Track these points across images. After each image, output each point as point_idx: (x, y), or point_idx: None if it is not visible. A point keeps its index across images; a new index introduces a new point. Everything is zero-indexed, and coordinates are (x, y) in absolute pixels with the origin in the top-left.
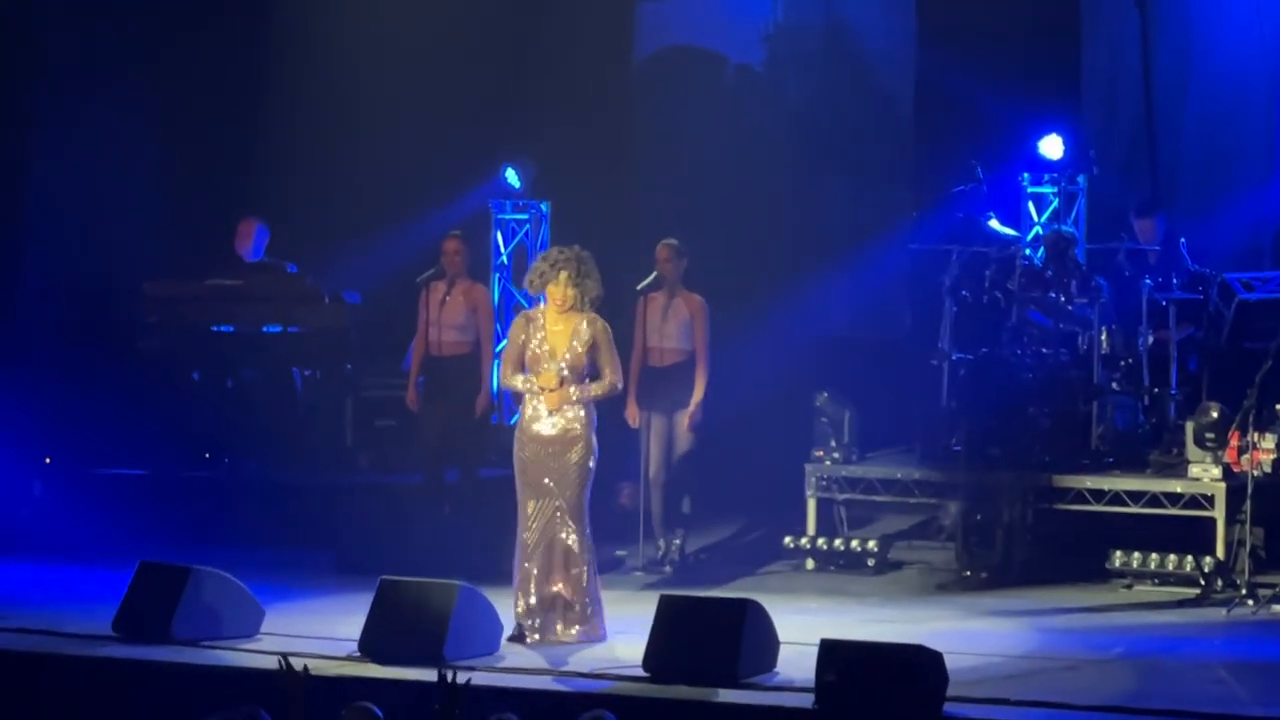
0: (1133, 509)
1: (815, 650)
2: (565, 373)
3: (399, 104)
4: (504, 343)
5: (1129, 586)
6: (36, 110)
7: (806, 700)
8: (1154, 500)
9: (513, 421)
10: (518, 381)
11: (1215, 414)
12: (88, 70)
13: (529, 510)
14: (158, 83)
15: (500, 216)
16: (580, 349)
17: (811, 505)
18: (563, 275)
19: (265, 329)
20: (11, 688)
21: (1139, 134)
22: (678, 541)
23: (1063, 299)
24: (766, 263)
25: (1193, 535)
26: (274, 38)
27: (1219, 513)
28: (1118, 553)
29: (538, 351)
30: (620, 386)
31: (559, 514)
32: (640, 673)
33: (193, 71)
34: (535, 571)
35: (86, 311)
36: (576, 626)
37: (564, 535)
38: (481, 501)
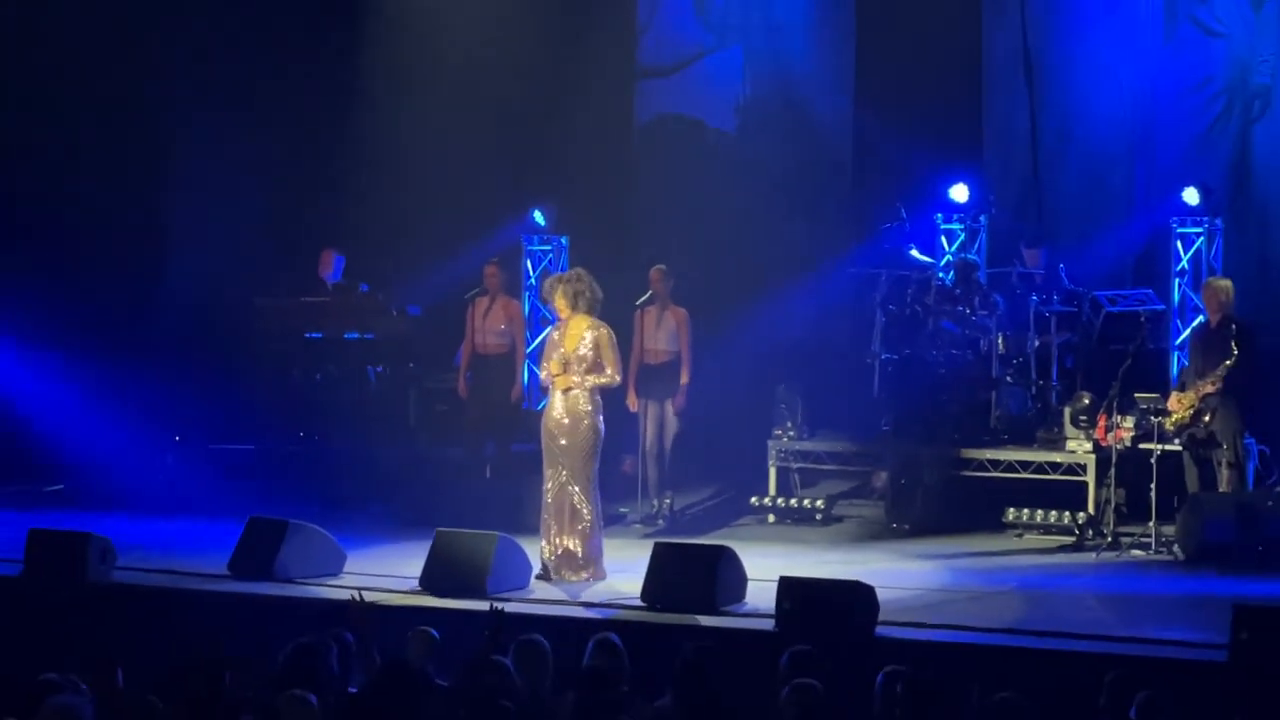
0: (1023, 475)
1: (775, 585)
2: (567, 362)
3: (453, 158)
4: (534, 344)
5: (1020, 535)
6: (173, 173)
7: (768, 624)
8: (1039, 468)
9: (540, 407)
10: (543, 374)
11: (1087, 400)
12: (216, 135)
13: (547, 476)
14: (265, 146)
15: (529, 248)
16: (584, 347)
17: (772, 472)
18: (557, 294)
19: (346, 335)
20: (152, 614)
21: (1028, 183)
22: (668, 501)
23: (968, 312)
24: (738, 282)
25: (1070, 495)
26: (355, 109)
27: (1090, 478)
28: (1011, 509)
29: (552, 350)
30: (619, 380)
31: (568, 480)
32: (639, 603)
33: (291, 135)
34: (553, 525)
35: (208, 320)
36: (583, 571)
37: (572, 497)
38: (514, 469)
